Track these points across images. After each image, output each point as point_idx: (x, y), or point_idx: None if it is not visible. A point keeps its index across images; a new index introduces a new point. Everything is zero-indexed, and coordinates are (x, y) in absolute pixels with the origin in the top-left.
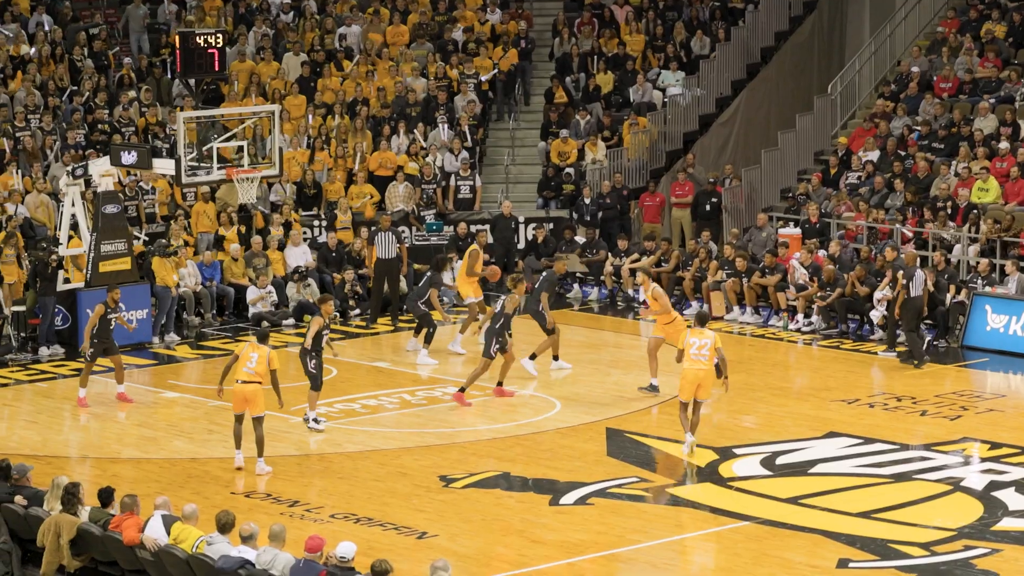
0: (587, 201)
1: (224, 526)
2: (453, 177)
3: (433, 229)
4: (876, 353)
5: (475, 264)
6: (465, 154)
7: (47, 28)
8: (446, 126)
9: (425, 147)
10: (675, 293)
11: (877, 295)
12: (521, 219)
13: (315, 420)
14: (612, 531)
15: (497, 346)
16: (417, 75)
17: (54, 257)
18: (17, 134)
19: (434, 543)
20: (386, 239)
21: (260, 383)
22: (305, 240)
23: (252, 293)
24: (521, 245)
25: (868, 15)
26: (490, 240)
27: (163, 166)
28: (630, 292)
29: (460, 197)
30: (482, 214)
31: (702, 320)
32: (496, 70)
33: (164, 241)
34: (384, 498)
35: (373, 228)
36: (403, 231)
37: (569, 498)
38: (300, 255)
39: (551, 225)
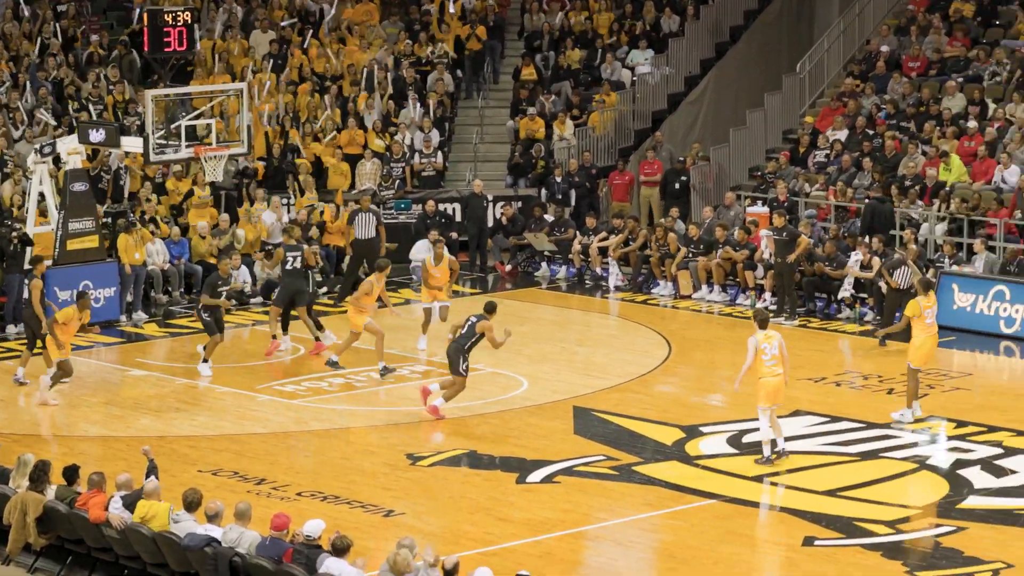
0: (558, 179)
1: (190, 504)
2: (417, 156)
3: (401, 208)
4: (848, 332)
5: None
6: (424, 133)
7: (15, 4)
8: (416, 104)
9: (395, 125)
10: (643, 272)
11: (851, 270)
12: (490, 197)
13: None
14: (579, 509)
15: (465, 364)
16: (388, 53)
17: (15, 235)
18: None
19: (401, 521)
20: (366, 219)
21: None
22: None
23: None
24: (491, 223)
25: None
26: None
27: (131, 144)
28: (598, 271)
29: (424, 175)
30: (451, 192)
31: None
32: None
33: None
34: (351, 476)
35: (353, 208)
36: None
37: (536, 476)
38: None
39: (519, 203)
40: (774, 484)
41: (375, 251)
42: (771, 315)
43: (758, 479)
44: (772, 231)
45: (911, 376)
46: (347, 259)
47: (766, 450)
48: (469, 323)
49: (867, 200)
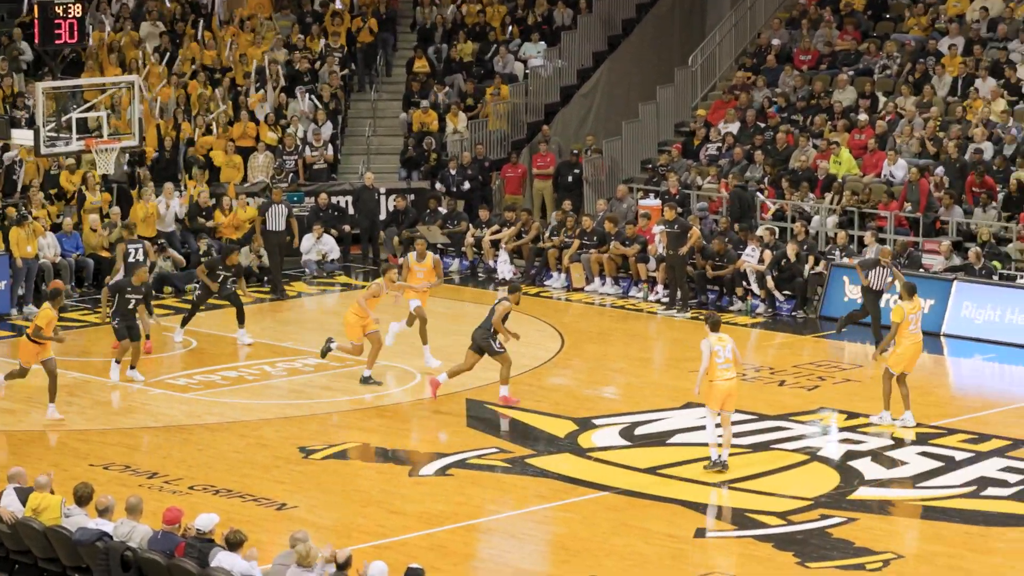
0: (451, 172)
1: (81, 498)
2: (307, 148)
3: (294, 200)
4: (739, 324)
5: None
6: (315, 126)
7: None
8: (307, 97)
9: (287, 118)
10: (536, 264)
11: (747, 263)
12: (383, 190)
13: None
14: (471, 502)
15: (497, 342)
16: (280, 45)
17: None
18: None
19: (293, 514)
20: (277, 212)
21: None
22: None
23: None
24: (383, 216)
25: None
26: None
27: (22, 137)
28: (491, 263)
29: (315, 168)
30: (343, 185)
31: (716, 324)
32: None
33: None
34: (244, 470)
35: (264, 201)
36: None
37: (429, 469)
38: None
39: (412, 196)
40: (666, 476)
41: (287, 243)
42: (665, 307)
43: (650, 471)
44: (663, 224)
45: (885, 379)
46: (243, 250)
47: (713, 453)
48: (496, 303)
49: (732, 188)
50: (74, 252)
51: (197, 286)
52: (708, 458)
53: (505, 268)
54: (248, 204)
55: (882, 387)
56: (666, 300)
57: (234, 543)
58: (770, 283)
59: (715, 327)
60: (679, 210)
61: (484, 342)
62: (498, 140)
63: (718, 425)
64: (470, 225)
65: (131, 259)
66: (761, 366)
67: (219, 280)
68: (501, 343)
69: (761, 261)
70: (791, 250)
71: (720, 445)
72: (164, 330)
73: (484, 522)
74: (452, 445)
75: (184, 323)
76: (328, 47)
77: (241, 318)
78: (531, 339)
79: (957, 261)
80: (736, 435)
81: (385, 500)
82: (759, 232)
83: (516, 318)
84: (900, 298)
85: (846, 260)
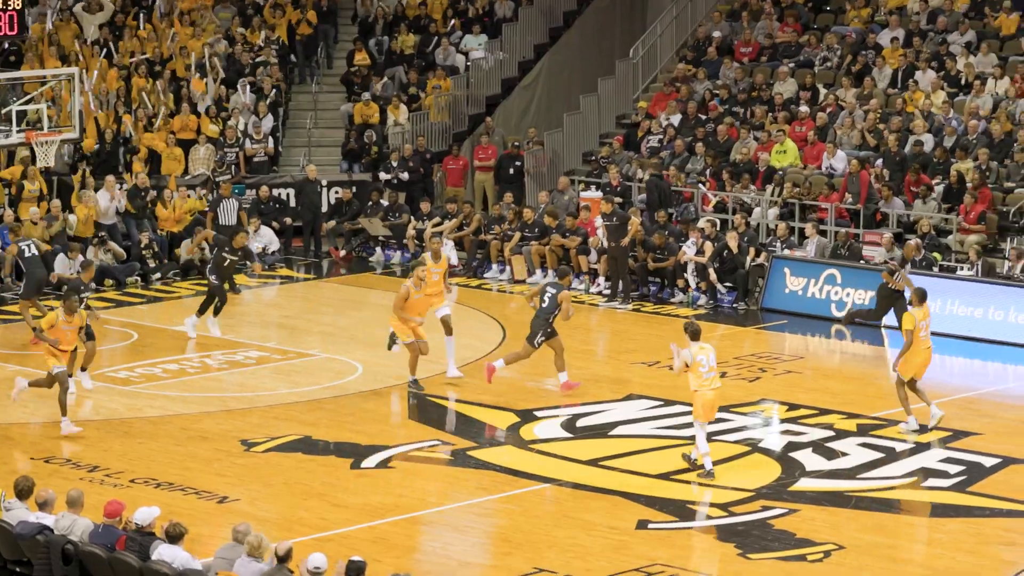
0: (394, 164)
1: (22, 492)
2: (248, 141)
3: (235, 193)
4: (681, 316)
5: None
6: (256, 118)
7: None
8: (247, 89)
9: (228, 110)
10: (477, 257)
11: (686, 256)
12: (324, 182)
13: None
14: (413, 494)
15: (542, 337)
16: (220, 37)
17: None
18: None
19: (235, 507)
20: (228, 206)
21: None
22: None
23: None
24: (325, 209)
25: None
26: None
27: None
28: None
29: (256, 161)
30: (285, 177)
31: (696, 333)
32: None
33: None
34: (185, 463)
35: (215, 195)
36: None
37: (371, 461)
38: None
39: (354, 189)
40: (608, 468)
41: None
42: (607, 299)
43: (592, 463)
44: (603, 218)
45: (899, 386)
46: (185, 243)
47: (707, 463)
48: (549, 295)
49: (648, 177)
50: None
51: (212, 277)
52: (689, 457)
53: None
54: (189, 196)
55: (898, 395)
56: (608, 292)
57: (174, 536)
58: (712, 275)
59: (695, 336)
60: (617, 202)
61: (537, 327)
62: (439, 132)
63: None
64: (411, 217)
65: (27, 255)
66: None
67: (227, 264)
68: (540, 344)
69: (701, 253)
70: (732, 241)
71: (706, 453)
72: (105, 323)
73: (426, 514)
74: (395, 437)
75: (203, 312)
76: (268, 39)
77: (218, 307)
78: (473, 331)
79: (897, 253)
80: (677, 427)
81: (327, 493)
82: (700, 224)
83: (458, 310)
84: (911, 304)
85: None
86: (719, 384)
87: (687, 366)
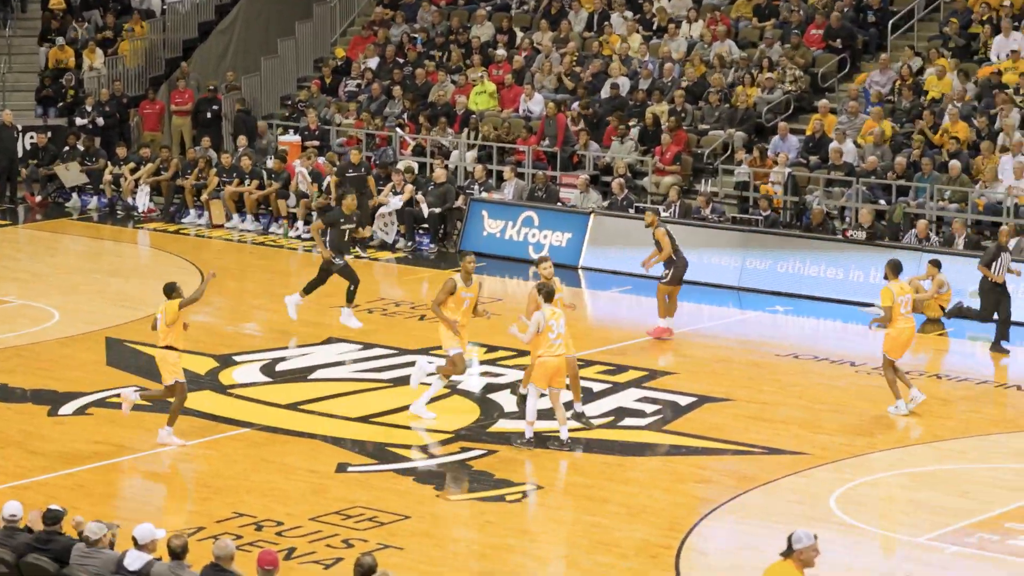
0: (89, 109)
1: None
2: None
3: None
4: (380, 260)
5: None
6: None
7: None
8: None
9: None
10: (175, 202)
11: (387, 204)
12: (20, 127)
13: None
14: (111, 440)
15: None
16: None
17: None
18: None
19: None
20: None
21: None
22: None
23: None
24: (20, 154)
25: None
26: None
27: None
28: (129, 201)
29: None
30: None
31: (550, 295)
32: None
33: None
34: None
35: None
36: None
37: (68, 408)
38: None
39: (49, 133)
40: (308, 412)
41: None
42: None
43: (292, 407)
44: (300, 163)
45: (887, 368)
46: None
47: (528, 432)
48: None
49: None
50: None
51: (317, 250)
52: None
53: (143, 203)
54: None
55: (886, 378)
56: (308, 236)
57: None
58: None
59: (548, 298)
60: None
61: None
62: (136, 76)
63: (542, 396)
64: (108, 162)
65: None
66: (401, 301)
67: (346, 237)
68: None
69: (401, 195)
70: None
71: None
72: None
73: (125, 460)
74: (93, 384)
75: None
76: None
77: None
78: (171, 276)
79: (594, 195)
80: (377, 370)
81: (24, 441)
82: (399, 166)
83: (155, 255)
84: (885, 278)
85: (484, 194)
86: (563, 351)
87: (539, 330)
